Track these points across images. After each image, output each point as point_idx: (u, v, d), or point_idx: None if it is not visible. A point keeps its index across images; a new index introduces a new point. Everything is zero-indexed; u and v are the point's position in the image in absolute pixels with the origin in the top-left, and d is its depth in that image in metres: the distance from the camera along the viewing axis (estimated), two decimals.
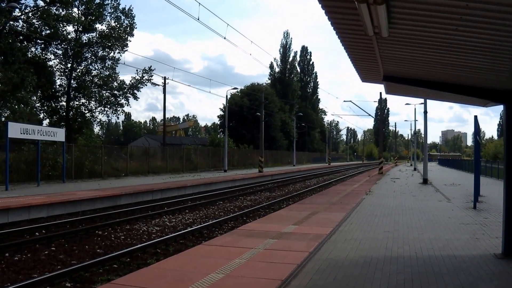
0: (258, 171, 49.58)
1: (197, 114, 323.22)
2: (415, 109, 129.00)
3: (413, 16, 6.37)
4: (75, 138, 45.73)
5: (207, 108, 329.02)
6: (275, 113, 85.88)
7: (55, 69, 48.15)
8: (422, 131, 41.95)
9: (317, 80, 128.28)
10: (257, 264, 8.59)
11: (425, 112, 36.01)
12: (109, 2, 48.57)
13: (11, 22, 40.72)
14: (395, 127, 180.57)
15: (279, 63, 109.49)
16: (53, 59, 47.84)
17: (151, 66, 52.62)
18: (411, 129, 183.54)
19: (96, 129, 58.11)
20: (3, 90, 37.18)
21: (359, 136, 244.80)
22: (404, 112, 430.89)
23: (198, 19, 25.73)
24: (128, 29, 49.89)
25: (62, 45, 46.62)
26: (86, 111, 50.18)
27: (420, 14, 6.20)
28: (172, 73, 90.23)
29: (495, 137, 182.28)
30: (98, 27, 48.48)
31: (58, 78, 48.90)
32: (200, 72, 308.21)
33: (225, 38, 30.70)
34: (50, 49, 46.95)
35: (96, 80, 49.28)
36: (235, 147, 69.36)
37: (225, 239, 11.35)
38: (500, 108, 10.87)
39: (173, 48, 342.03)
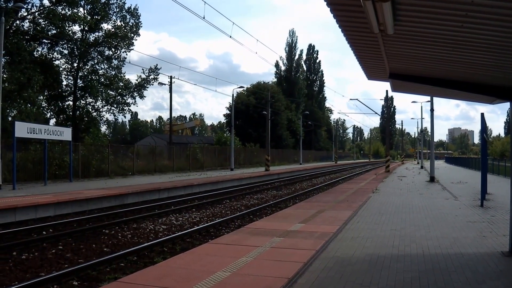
0: (265, 169, 49.56)
1: (203, 113, 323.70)
2: (421, 107, 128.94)
3: (418, 13, 6.36)
4: (82, 137, 45.86)
5: (213, 107, 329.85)
6: (281, 111, 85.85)
7: (61, 68, 48.33)
8: (429, 129, 41.79)
9: (323, 79, 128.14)
10: (264, 262, 8.59)
11: (432, 110, 35.93)
12: (115, 1, 48.70)
13: (18, 22, 40.88)
14: (402, 125, 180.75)
15: (285, 61, 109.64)
16: (59, 59, 48.02)
17: (157, 64, 52.73)
18: (417, 127, 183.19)
19: (103, 128, 58.31)
20: (10, 89, 37.33)
21: (366, 134, 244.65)
22: (411, 110, 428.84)
23: (204, 18, 25.75)
24: (134, 28, 49.97)
25: (69, 45, 46.74)
26: (93, 111, 50.32)
27: (425, 11, 6.19)
28: (178, 72, 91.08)
29: (502, 134, 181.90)
30: (104, 27, 48.64)
31: (65, 78, 49.10)
32: (206, 71, 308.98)
33: (230, 36, 30.70)
34: (57, 48, 47.11)
35: (102, 80, 49.35)
36: (241, 145, 69.41)
37: (232, 238, 11.35)
38: (507, 105, 10.86)
39: (178, 47, 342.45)
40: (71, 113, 48.81)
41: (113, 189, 23.81)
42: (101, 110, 50.81)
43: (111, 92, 49.90)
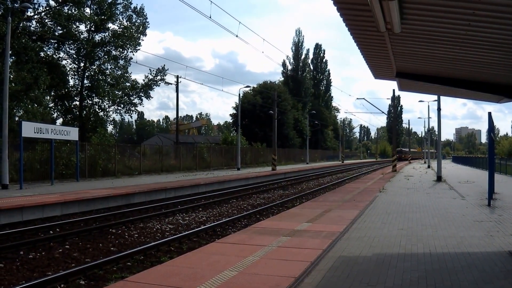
0: (271, 169, 49.53)
1: (209, 112, 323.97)
2: (428, 106, 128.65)
3: (425, 12, 6.34)
4: (89, 137, 45.98)
5: (219, 107, 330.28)
6: (288, 111, 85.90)
7: (68, 68, 48.49)
8: (436, 128, 41.62)
9: (330, 78, 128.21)
10: (270, 262, 8.57)
11: (439, 109, 35.73)
12: (121, 1, 48.80)
13: (24, 22, 41.00)
14: (409, 125, 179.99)
15: (291, 60, 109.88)
16: (66, 59, 48.20)
17: (164, 65, 52.80)
18: (424, 127, 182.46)
19: (109, 128, 58.39)
20: (17, 89, 37.44)
21: (373, 133, 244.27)
22: (418, 109, 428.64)
23: (210, 17, 25.78)
24: (140, 28, 50.06)
25: (75, 45, 46.86)
26: (100, 111, 50.46)
27: (432, 10, 6.17)
28: (184, 72, 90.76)
29: (510, 133, 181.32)
30: (110, 27, 48.76)
31: (72, 78, 49.27)
32: (212, 70, 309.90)
33: (237, 36, 30.71)
34: (63, 48, 47.25)
35: (109, 80, 49.46)
36: (247, 145, 69.43)
37: (238, 237, 11.34)
38: None
39: (183, 46, 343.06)
40: (78, 113, 48.97)
41: (119, 189, 23.84)
42: (107, 110, 51.01)
43: (117, 92, 50.01)
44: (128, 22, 49.48)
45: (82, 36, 46.98)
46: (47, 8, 43.76)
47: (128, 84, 50.75)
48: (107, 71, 49.86)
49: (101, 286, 9.17)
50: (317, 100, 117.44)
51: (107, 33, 48.73)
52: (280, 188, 32.82)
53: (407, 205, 17.85)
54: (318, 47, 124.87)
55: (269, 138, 65.43)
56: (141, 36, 50.39)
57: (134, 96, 51.61)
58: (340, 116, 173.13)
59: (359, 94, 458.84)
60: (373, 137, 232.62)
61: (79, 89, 48.94)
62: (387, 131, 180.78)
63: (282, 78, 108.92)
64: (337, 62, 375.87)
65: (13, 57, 38.17)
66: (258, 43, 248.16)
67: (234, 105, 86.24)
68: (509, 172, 37.59)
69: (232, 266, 8.21)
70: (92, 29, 47.46)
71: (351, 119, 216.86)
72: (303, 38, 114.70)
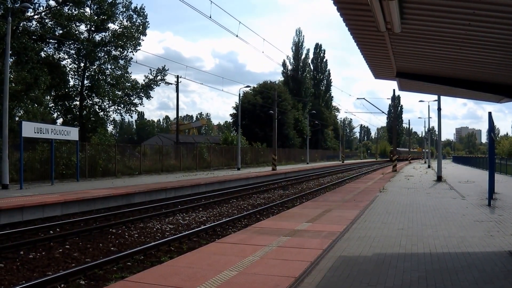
0: (272, 169, 49.49)
1: (210, 112, 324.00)
2: (428, 106, 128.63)
3: (425, 11, 6.33)
4: (89, 137, 45.94)
5: (219, 107, 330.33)
6: (288, 111, 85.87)
7: (68, 68, 48.46)
8: (436, 128, 41.59)
9: (330, 78, 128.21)
10: (271, 262, 8.57)
11: (439, 109, 35.70)
12: (121, 1, 48.79)
13: (25, 22, 41.00)
14: (409, 124, 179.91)
15: (291, 60, 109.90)
16: (66, 59, 48.18)
17: (164, 66, 52.79)
18: (424, 127, 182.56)
19: (110, 128, 58.47)
20: (17, 89, 37.42)
21: (373, 133, 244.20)
22: (418, 109, 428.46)
23: (210, 17, 25.75)
24: (140, 28, 50.03)
25: (75, 45, 46.85)
26: (100, 111, 50.43)
27: (433, 9, 6.17)
28: (184, 72, 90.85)
29: (510, 133, 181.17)
30: (110, 27, 48.74)
31: (72, 78, 49.24)
32: (212, 70, 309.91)
33: (237, 36, 30.69)
34: (63, 48, 47.21)
35: (109, 80, 49.45)
36: (248, 145, 69.42)
37: (238, 237, 11.33)
38: None
39: (183, 46, 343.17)
40: (78, 113, 48.95)
41: (120, 189, 23.84)
42: (108, 110, 50.98)
43: (117, 92, 50.00)
44: (128, 22, 49.51)
45: (82, 36, 46.99)
46: (47, 8, 43.77)
47: (128, 84, 50.72)
48: (107, 71, 49.85)
49: (101, 286, 9.17)
50: (317, 100, 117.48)
51: (107, 33, 48.74)
52: (280, 188, 32.81)
53: (408, 205, 17.85)
54: (318, 47, 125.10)
55: (269, 138, 65.42)
56: (141, 36, 50.37)
57: (134, 96, 51.65)
58: (340, 116, 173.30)
59: (359, 94, 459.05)
60: (373, 137, 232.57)
61: (79, 89, 48.90)
62: (387, 131, 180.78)
63: (282, 78, 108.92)
64: (337, 62, 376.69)
65: (13, 57, 38.14)
66: (258, 43, 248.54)
67: (234, 105, 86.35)
68: (509, 172, 37.59)
69: (232, 266, 8.21)
70: (92, 29, 47.43)
71: (351, 119, 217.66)
72: (303, 38, 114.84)
